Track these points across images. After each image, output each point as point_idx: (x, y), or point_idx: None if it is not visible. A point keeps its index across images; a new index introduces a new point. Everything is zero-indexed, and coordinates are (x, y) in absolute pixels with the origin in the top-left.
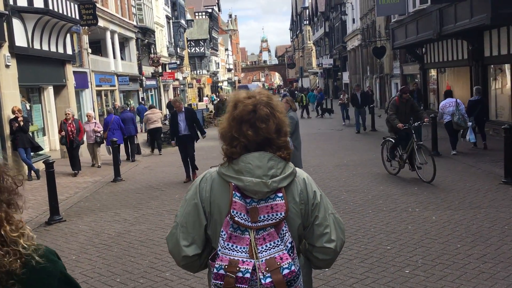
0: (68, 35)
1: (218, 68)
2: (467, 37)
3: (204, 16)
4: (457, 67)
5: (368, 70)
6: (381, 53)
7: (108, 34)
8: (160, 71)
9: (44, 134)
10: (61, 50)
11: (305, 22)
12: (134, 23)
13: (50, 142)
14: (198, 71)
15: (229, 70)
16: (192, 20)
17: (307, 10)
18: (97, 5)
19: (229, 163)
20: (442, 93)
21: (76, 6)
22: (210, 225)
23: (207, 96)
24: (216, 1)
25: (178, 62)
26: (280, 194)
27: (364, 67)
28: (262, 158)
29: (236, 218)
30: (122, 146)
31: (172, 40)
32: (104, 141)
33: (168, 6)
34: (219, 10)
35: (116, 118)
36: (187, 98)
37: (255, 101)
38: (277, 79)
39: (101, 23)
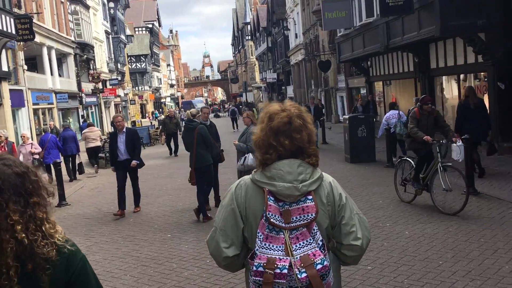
0: (3, 51)
1: (161, 83)
2: (414, 50)
3: (144, 32)
4: (403, 79)
5: (312, 84)
6: (326, 67)
7: (45, 50)
8: (101, 87)
9: None
10: None
11: (247, 37)
12: (72, 38)
13: None
14: (140, 87)
15: (171, 85)
16: (132, 36)
17: (249, 26)
18: (34, 20)
19: (262, 170)
20: (388, 105)
21: (11, 20)
22: (246, 228)
23: (150, 112)
24: (157, 17)
25: (119, 78)
26: (310, 197)
27: (309, 81)
28: (292, 165)
29: (271, 220)
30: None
31: (112, 55)
32: (42, 161)
33: (107, 21)
34: (160, 25)
35: (52, 137)
36: (129, 114)
37: (289, 114)
38: (220, 94)
39: (37, 38)
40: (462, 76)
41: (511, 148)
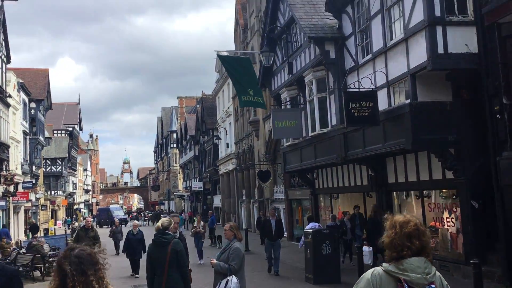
0: None
1: (76, 189)
2: (369, 162)
3: (64, 134)
4: (352, 193)
5: (244, 194)
6: (266, 177)
7: None
8: (13, 190)
9: None
10: None
11: (172, 145)
12: None
13: None
14: (53, 192)
15: (87, 191)
16: (51, 138)
17: (175, 134)
18: None
19: (395, 264)
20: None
21: None
22: None
23: (62, 219)
24: (78, 120)
25: (33, 181)
26: (433, 285)
27: (240, 191)
28: (420, 261)
29: None
30: None
31: (28, 157)
32: None
33: (27, 121)
34: (81, 129)
35: None
36: (39, 221)
37: (416, 222)
38: (136, 201)
39: None
40: (425, 192)
41: (489, 272)
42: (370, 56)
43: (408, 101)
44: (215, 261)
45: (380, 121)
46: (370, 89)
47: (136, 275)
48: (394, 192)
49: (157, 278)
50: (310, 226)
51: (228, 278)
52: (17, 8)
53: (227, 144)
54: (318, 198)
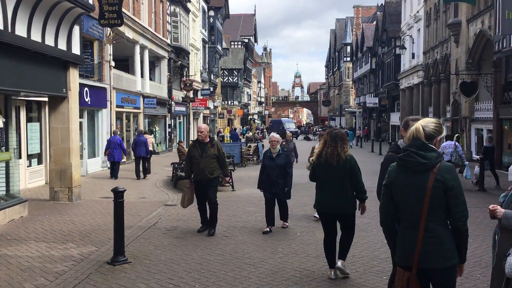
0: (77, 28)
1: (250, 100)
2: None
3: (240, 46)
4: None
5: (431, 112)
6: (471, 90)
7: (137, 49)
8: (192, 96)
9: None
10: (62, 46)
11: (345, 59)
12: (168, 41)
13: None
14: (229, 102)
15: (260, 103)
16: (228, 49)
17: (348, 47)
18: (128, 13)
19: None
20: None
21: None
22: None
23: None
24: (253, 32)
25: (211, 89)
26: None
27: (425, 108)
28: None
29: None
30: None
31: (207, 65)
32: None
33: (206, 30)
34: (256, 41)
35: (118, 139)
36: (216, 128)
37: None
38: (304, 116)
39: (130, 34)
40: None
41: None
42: None
43: None
44: (500, 209)
45: None
46: None
47: (285, 223)
48: None
49: (404, 229)
50: (445, 144)
51: None
52: None
53: (413, 54)
54: None
